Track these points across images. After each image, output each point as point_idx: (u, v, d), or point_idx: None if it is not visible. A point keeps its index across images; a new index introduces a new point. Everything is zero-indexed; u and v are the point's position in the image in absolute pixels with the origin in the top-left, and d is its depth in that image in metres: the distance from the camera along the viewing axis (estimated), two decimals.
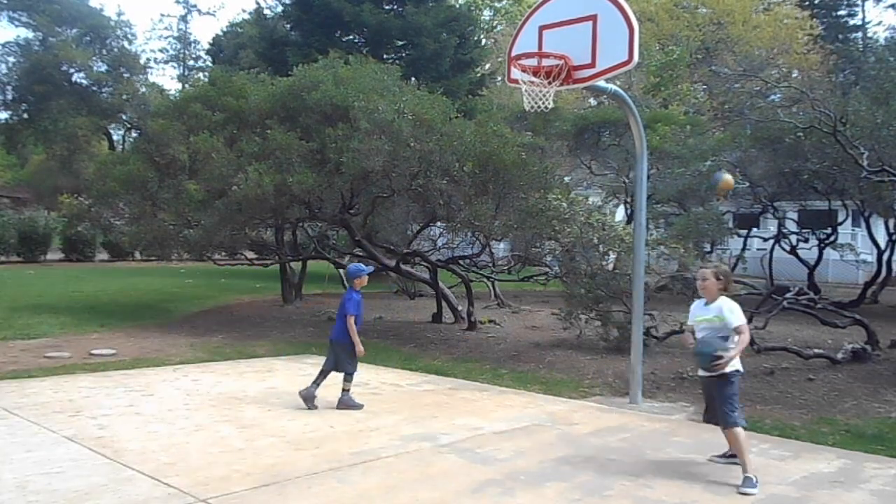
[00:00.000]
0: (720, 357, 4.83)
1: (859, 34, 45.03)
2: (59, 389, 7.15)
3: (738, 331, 4.94)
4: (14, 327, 11.14)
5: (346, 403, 6.75)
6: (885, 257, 17.93)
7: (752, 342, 9.60)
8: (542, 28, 7.38)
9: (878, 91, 12.26)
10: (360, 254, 14.38)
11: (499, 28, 41.91)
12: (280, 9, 27.52)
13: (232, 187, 10.94)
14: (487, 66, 31.20)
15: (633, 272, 7.75)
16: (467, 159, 10.78)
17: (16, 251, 25.32)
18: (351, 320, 6.68)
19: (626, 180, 17.60)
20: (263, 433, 5.79)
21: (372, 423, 6.19)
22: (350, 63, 13.00)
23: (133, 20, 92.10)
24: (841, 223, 19.78)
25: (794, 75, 29.56)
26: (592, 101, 29.82)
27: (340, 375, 6.84)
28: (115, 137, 47.98)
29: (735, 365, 4.93)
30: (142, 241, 14.49)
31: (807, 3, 38.32)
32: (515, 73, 7.42)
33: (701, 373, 5.10)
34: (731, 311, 5.00)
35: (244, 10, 70.58)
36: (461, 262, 13.48)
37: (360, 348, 6.76)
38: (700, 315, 5.16)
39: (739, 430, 4.89)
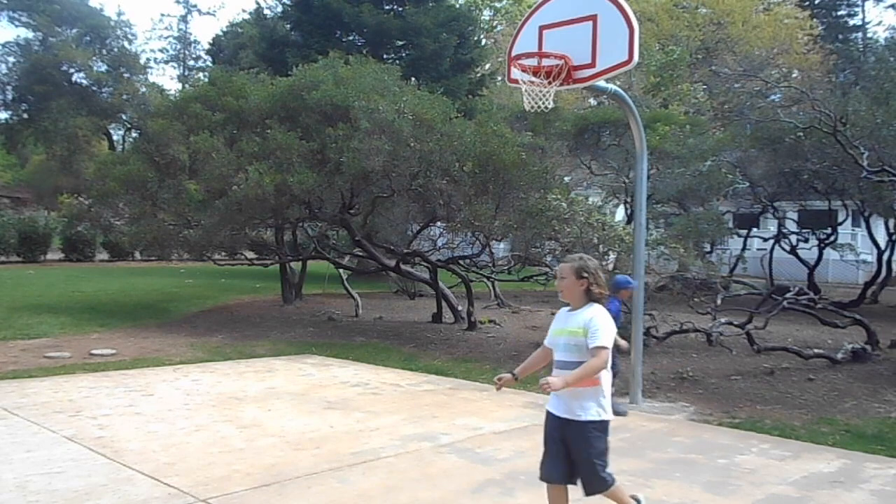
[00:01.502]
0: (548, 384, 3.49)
1: (859, 34, 45.03)
2: (59, 389, 7.15)
3: (592, 353, 3.54)
4: (14, 327, 11.14)
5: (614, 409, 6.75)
6: (885, 257, 17.94)
7: (751, 341, 9.63)
8: (542, 28, 7.38)
9: (878, 91, 12.27)
10: (360, 254, 14.39)
11: (499, 28, 41.91)
12: (280, 9, 27.53)
13: (232, 187, 10.94)
14: (487, 66, 31.18)
15: (634, 272, 7.75)
16: (467, 159, 10.78)
17: (16, 251, 25.31)
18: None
19: (626, 180, 17.59)
20: (263, 433, 5.79)
21: (372, 423, 6.19)
22: (350, 63, 13.01)
23: (133, 20, 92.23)
24: (841, 223, 19.79)
25: (794, 75, 29.54)
26: (592, 101, 29.79)
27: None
28: (115, 137, 47.98)
29: (607, 411, 3.65)
30: (142, 241, 14.49)
31: (807, 3, 38.32)
32: (515, 73, 7.42)
33: (555, 411, 3.69)
34: (598, 326, 3.56)
35: (244, 11, 70.65)
36: (461, 262, 13.48)
37: (625, 343, 7.07)
38: (560, 326, 3.71)
39: (617, 486, 3.71)
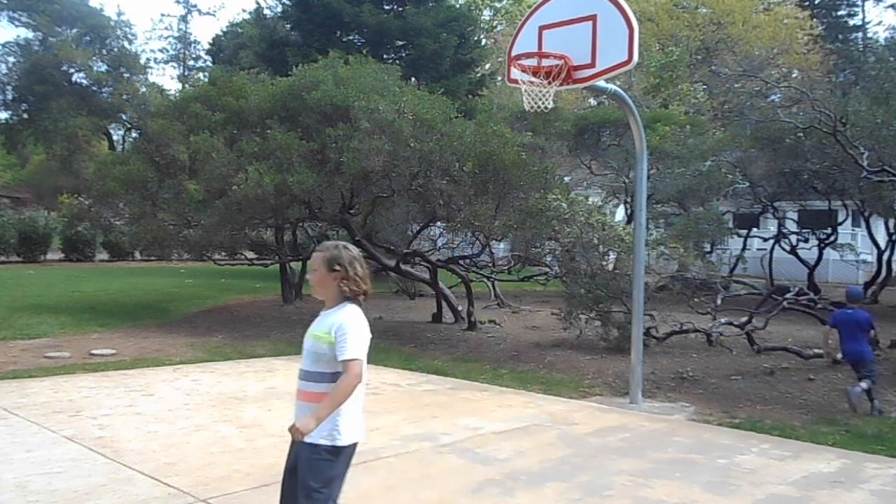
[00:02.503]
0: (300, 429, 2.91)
1: (859, 34, 45.02)
2: (59, 389, 7.15)
3: (344, 368, 2.96)
4: (14, 327, 11.13)
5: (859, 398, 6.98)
6: (885, 257, 17.94)
7: (751, 341, 9.63)
8: (542, 28, 7.38)
9: (878, 91, 12.26)
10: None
11: (499, 28, 41.88)
12: (280, 9, 27.52)
13: (232, 187, 10.94)
14: (487, 66, 31.18)
15: (633, 272, 7.76)
16: (467, 159, 10.79)
17: (16, 251, 25.29)
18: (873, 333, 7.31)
19: (626, 180, 17.60)
20: (263, 433, 5.79)
21: (372, 423, 6.17)
22: (350, 63, 13.01)
23: (133, 20, 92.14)
24: (841, 223, 19.79)
25: (794, 75, 29.56)
26: (592, 101, 29.80)
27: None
28: (115, 137, 47.96)
29: (345, 434, 3.01)
30: (142, 241, 14.49)
31: (807, 3, 38.32)
32: (515, 73, 7.42)
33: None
34: (346, 333, 2.97)
35: (244, 10, 70.59)
36: (461, 262, 13.48)
37: None
38: (312, 329, 3.13)
39: None
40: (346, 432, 3.00)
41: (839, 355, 7.59)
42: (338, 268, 3.05)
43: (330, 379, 2.99)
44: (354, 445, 3.07)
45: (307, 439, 2.94)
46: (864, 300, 7.78)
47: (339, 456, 3.01)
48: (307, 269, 3.01)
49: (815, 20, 35.45)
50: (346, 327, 2.97)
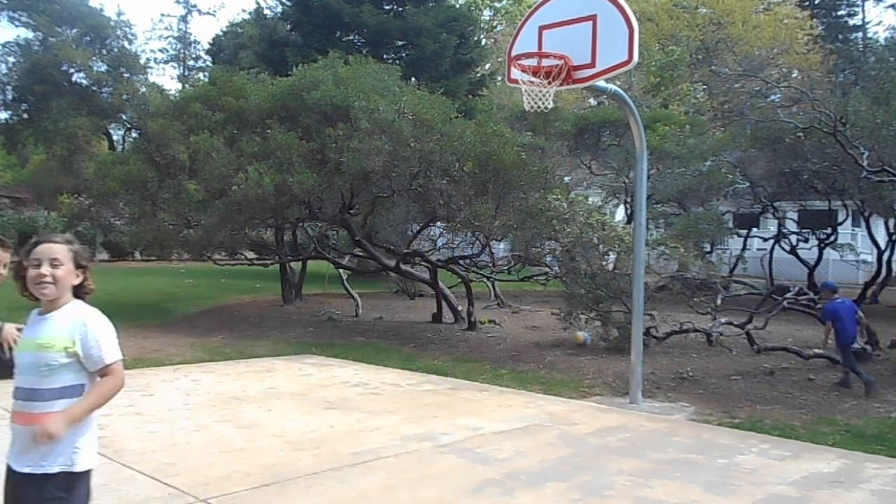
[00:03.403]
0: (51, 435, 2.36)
1: (859, 34, 45.02)
2: None
3: (105, 373, 2.51)
4: None
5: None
6: (885, 257, 17.93)
7: (751, 341, 9.63)
8: (542, 28, 7.38)
9: (878, 91, 12.27)
10: (360, 254, 14.39)
11: (499, 28, 41.89)
12: (280, 9, 27.54)
13: (232, 187, 10.95)
14: (487, 66, 31.19)
15: (633, 272, 7.75)
16: (467, 159, 10.79)
17: (16, 251, 25.23)
18: None
19: (626, 180, 17.60)
20: (263, 433, 5.79)
21: (372, 423, 6.19)
22: (350, 63, 13.02)
23: (133, 20, 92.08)
24: (841, 223, 19.79)
25: (794, 75, 29.57)
26: (592, 101, 29.80)
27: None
28: (115, 137, 47.89)
29: (86, 456, 2.51)
30: (142, 241, 14.49)
31: (807, 3, 38.32)
32: (515, 73, 7.42)
33: (14, 463, 2.52)
34: (100, 333, 2.52)
35: (244, 11, 70.54)
36: (461, 262, 13.48)
37: None
38: (34, 337, 2.57)
39: None
40: (85, 454, 2.49)
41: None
42: (84, 263, 2.61)
43: (73, 393, 2.47)
44: (91, 474, 2.53)
45: (37, 470, 2.41)
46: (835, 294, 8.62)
47: (79, 484, 2.48)
48: (36, 262, 2.63)
49: (815, 20, 35.46)
50: (98, 328, 2.51)
